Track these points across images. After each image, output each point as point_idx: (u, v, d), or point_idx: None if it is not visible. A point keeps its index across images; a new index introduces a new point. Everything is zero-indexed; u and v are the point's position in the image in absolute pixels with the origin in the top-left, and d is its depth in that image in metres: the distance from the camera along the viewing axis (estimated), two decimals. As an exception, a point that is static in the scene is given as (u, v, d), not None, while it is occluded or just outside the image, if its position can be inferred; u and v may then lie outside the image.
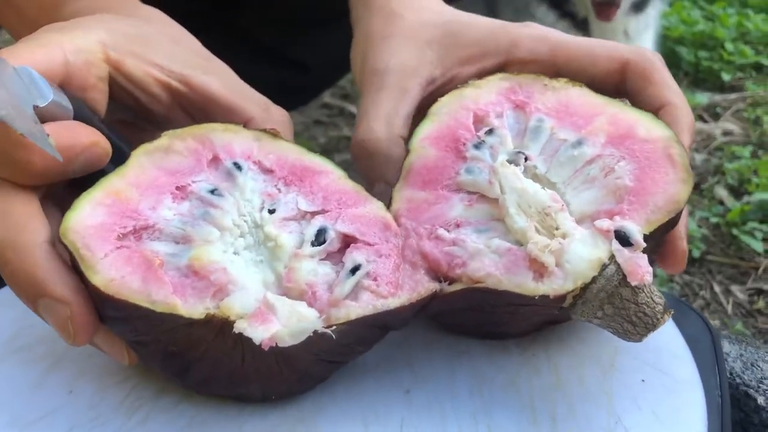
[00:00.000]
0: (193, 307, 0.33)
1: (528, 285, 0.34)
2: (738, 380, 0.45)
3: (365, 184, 0.44)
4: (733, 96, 1.56)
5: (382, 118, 0.44)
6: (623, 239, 0.34)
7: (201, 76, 0.43)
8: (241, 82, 0.45)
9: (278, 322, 0.33)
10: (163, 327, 0.33)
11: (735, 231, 1.05)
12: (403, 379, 0.39)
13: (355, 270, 0.35)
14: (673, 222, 0.36)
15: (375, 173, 0.43)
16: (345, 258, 0.36)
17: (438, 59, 0.46)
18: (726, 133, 1.41)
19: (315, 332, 0.33)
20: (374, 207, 0.38)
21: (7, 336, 0.40)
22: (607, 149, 0.38)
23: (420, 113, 0.45)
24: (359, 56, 0.49)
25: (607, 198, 0.37)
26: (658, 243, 0.38)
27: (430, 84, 0.46)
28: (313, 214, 0.38)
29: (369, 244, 0.37)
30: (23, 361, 0.39)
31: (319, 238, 0.37)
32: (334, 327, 0.33)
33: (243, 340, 0.32)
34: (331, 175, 0.39)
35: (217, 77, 0.43)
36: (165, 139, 0.38)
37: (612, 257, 0.34)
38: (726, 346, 0.48)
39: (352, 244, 0.37)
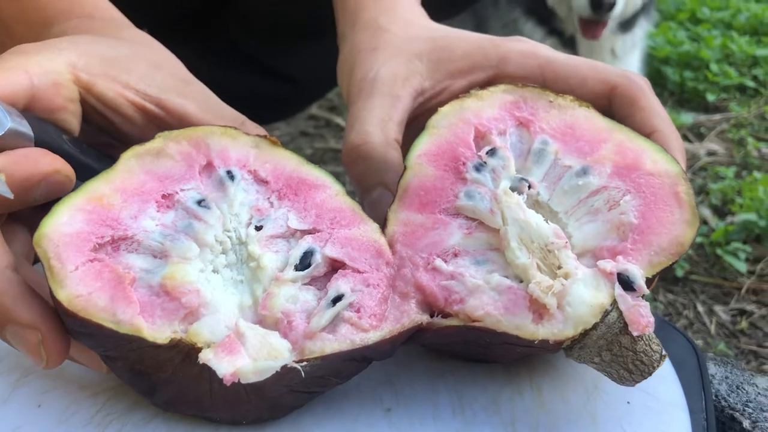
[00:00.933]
0: (159, 330, 0.31)
1: (528, 328, 0.33)
2: (723, 403, 0.45)
3: (358, 192, 0.43)
4: (717, 116, 1.57)
5: (376, 122, 0.43)
6: (626, 283, 0.33)
7: (176, 100, 0.43)
8: (219, 101, 0.45)
9: (246, 353, 0.31)
10: (130, 347, 0.32)
11: (719, 251, 1.06)
12: (385, 397, 0.38)
13: (336, 300, 0.34)
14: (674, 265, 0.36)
15: (371, 179, 0.42)
16: (330, 285, 0.34)
17: (427, 71, 0.46)
18: (710, 153, 1.42)
19: (284, 367, 0.31)
20: (368, 230, 0.37)
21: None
22: (613, 181, 0.37)
23: (410, 125, 0.45)
24: (347, 68, 0.49)
25: (611, 234, 0.36)
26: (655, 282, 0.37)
27: (420, 95, 0.46)
28: (303, 233, 0.36)
29: (358, 272, 0.35)
30: (-9, 374, 0.37)
31: (305, 261, 0.35)
32: (305, 363, 0.32)
33: (210, 370, 0.31)
34: (328, 190, 0.38)
35: (192, 100, 0.43)
36: (159, 140, 0.37)
37: (614, 303, 0.33)
38: (711, 368, 0.47)
39: (340, 270, 0.35)
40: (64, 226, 0.33)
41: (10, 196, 0.33)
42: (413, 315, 0.34)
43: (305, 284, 0.35)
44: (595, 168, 0.38)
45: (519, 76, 0.45)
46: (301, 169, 0.38)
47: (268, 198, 0.37)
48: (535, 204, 0.38)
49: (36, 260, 0.35)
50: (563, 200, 0.37)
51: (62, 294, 0.31)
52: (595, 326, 0.32)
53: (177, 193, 0.36)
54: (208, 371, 0.31)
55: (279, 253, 0.35)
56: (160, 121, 0.42)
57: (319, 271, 0.35)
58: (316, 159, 1.43)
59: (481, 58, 0.45)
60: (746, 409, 0.44)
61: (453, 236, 0.37)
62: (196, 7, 0.89)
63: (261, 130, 0.44)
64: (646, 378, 0.33)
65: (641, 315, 0.32)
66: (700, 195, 1.24)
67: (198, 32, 0.93)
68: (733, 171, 1.29)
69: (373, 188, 0.42)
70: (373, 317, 0.34)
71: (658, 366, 0.33)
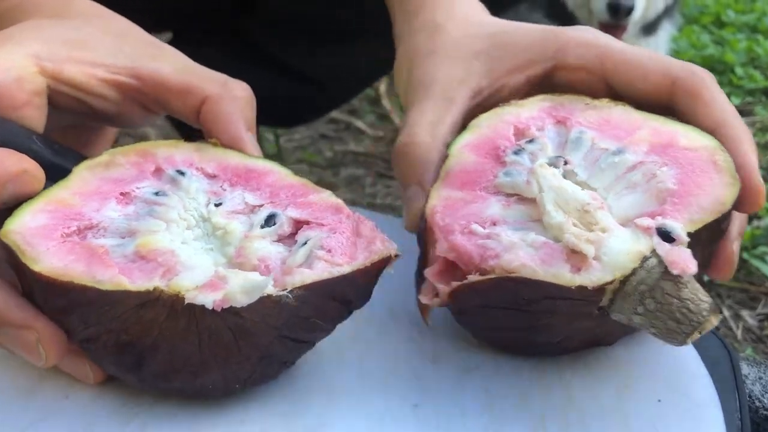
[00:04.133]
0: (140, 286, 0.32)
1: (565, 276, 0.33)
2: (757, 403, 0.44)
3: (401, 188, 0.43)
4: (743, 120, 1.55)
5: (426, 125, 0.43)
6: (665, 235, 0.33)
7: (150, 64, 0.42)
8: (195, 63, 0.44)
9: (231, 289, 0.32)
10: (112, 313, 0.32)
11: (745, 255, 1.04)
12: (411, 393, 0.38)
13: (307, 241, 0.35)
14: (719, 226, 0.35)
15: (410, 177, 0.42)
16: (297, 236, 0.36)
17: (485, 70, 0.45)
18: (735, 157, 1.40)
19: (271, 298, 0.32)
20: (324, 195, 0.39)
21: None
22: (650, 157, 0.38)
23: (465, 124, 0.44)
24: (404, 72, 0.48)
25: (650, 201, 0.36)
26: (706, 252, 0.37)
27: (477, 95, 0.45)
28: (261, 206, 0.38)
29: (322, 225, 0.37)
30: (18, 366, 0.38)
31: (270, 222, 0.37)
32: (288, 293, 0.33)
33: (197, 318, 0.32)
34: (277, 173, 0.40)
35: (167, 62, 0.42)
36: (106, 155, 0.39)
37: (653, 250, 0.33)
38: (744, 369, 0.46)
39: (305, 226, 0.37)
40: (29, 222, 0.34)
41: None
42: (382, 250, 0.35)
43: (274, 241, 0.36)
44: (631, 147, 0.39)
45: (577, 66, 0.44)
46: (246, 161, 0.40)
47: (221, 186, 0.39)
48: (575, 183, 0.38)
49: None
50: (601, 177, 0.38)
51: (38, 267, 0.32)
52: (633, 272, 0.32)
53: (134, 190, 0.38)
54: (195, 325, 0.32)
55: (243, 224, 0.37)
56: (135, 91, 0.42)
57: (284, 231, 0.37)
58: (337, 161, 1.44)
59: (539, 51, 0.45)
60: (781, 410, 0.43)
61: (491, 208, 0.38)
62: (223, 7, 0.89)
63: (246, 89, 0.43)
64: (696, 331, 0.32)
65: (680, 256, 0.32)
66: (725, 199, 1.22)
67: (221, 33, 0.94)
68: (760, 174, 1.27)
69: (409, 186, 0.42)
70: (344, 255, 0.35)
71: (708, 318, 0.32)
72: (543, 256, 0.34)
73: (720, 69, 1.73)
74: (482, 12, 0.50)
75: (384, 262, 0.36)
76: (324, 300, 0.35)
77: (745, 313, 0.97)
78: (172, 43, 1.06)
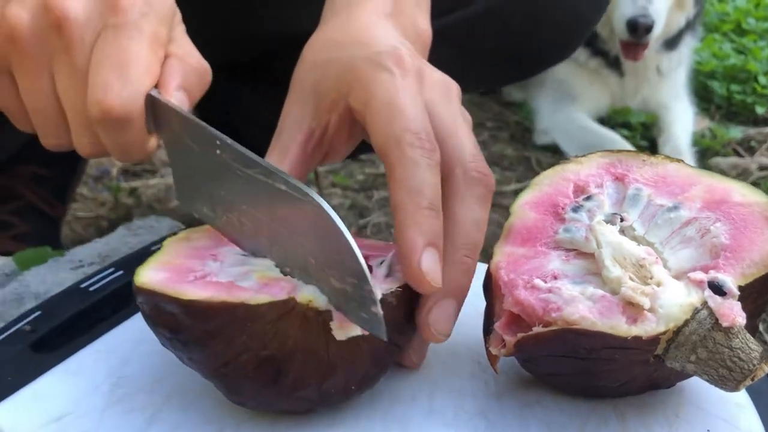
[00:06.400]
0: (280, 297, 0.37)
1: (621, 327, 0.36)
2: (799, 429, 0.46)
3: None
4: (767, 129, 1.56)
5: None
6: (717, 289, 0.36)
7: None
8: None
9: None
10: (254, 329, 0.36)
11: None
12: (478, 427, 0.41)
13: None
14: None
15: None
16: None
17: (313, 109, 0.45)
18: (762, 167, 1.41)
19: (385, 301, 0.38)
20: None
21: (108, 386, 0.43)
22: (704, 213, 0.41)
23: (304, 169, 0.46)
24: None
25: (704, 256, 0.39)
26: (759, 302, 0.39)
27: (310, 137, 0.45)
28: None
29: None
30: (126, 410, 0.42)
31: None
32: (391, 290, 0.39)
33: (325, 325, 0.37)
34: None
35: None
36: (183, 233, 0.45)
37: (704, 303, 0.36)
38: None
39: None
40: (154, 276, 0.39)
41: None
42: None
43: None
44: (686, 204, 0.41)
45: (356, 110, 0.43)
46: None
47: None
48: (633, 239, 0.41)
49: None
50: (657, 233, 0.41)
51: (188, 297, 0.37)
52: (686, 323, 0.36)
53: (219, 253, 0.42)
54: (324, 332, 0.37)
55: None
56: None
57: None
58: (368, 185, 1.47)
59: (341, 90, 0.44)
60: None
61: (552, 263, 0.41)
62: (266, 48, 0.92)
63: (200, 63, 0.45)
64: (748, 378, 0.35)
65: (731, 309, 0.35)
66: (754, 211, 1.24)
67: (258, 73, 0.97)
68: None
69: None
70: None
71: (758, 365, 0.35)
72: (601, 308, 0.37)
73: (743, 78, 1.74)
74: (363, 16, 0.47)
75: None
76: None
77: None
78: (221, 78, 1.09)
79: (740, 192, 0.41)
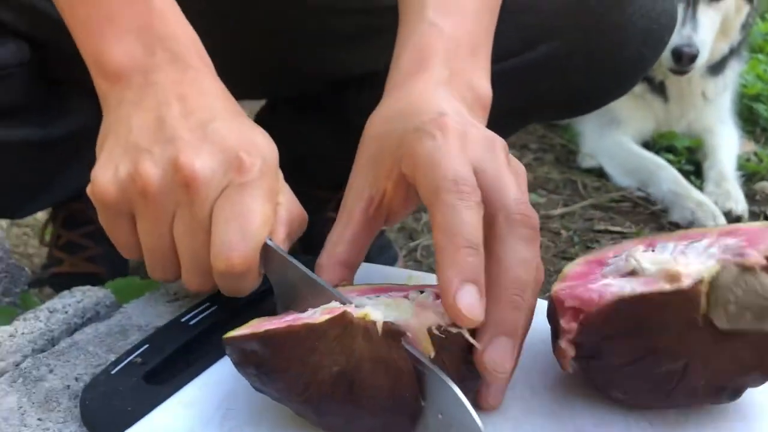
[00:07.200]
0: (335, 315, 0.41)
1: (665, 287, 0.42)
2: None
3: None
4: (813, 153, 1.57)
5: (329, 245, 0.51)
6: (734, 251, 0.43)
7: None
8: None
9: None
10: (322, 347, 0.40)
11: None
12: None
13: None
14: None
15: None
16: None
17: (372, 178, 0.50)
18: (809, 192, 1.42)
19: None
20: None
21: (218, 419, 0.47)
22: (722, 238, 0.46)
23: (366, 236, 0.51)
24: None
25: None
26: None
27: (370, 205, 0.50)
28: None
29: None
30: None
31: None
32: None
33: (390, 333, 0.40)
34: None
35: None
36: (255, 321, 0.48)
37: (731, 262, 0.42)
38: None
39: None
40: (239, 331, 0.44)
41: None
42: None
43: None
44: (706, 238, 0.48)
45: (407, 174, 0.47)
46: None
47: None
48: None
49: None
50: (685, 258, 0.46)
51: (264, 329, 0.42)
52: (717, 274, 0.41)
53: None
54: (396, 345, 0.41)
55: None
56: None
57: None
58: (417, 208, 1.51)
59: (396, 156, 0.48)
60: None
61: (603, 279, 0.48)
62: (324, 86, 0.97)
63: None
64: None
65: (754, 255, 0.42)
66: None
67: (314, 109, 1.01)
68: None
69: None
70: None
71: None
72: (645, 282, 0.44)
73: (788, 101, 1.74)
74: (429, 82, 0.51)
75: None
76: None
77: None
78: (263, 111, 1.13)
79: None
